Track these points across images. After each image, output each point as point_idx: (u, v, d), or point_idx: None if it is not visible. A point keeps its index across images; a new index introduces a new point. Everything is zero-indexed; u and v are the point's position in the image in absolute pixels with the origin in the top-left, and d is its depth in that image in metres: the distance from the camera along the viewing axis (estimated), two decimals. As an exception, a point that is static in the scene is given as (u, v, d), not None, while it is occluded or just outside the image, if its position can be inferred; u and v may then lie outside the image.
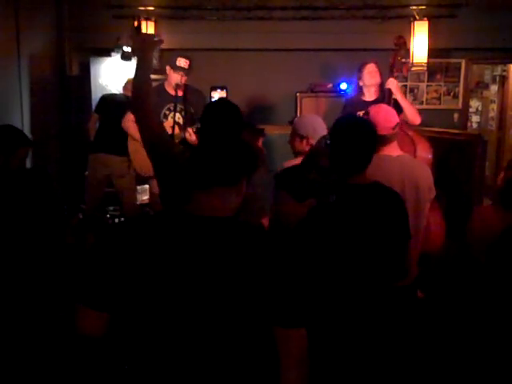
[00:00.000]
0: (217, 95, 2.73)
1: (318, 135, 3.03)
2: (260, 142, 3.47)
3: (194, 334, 1.49)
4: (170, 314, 1.48)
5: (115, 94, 5.49)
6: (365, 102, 4.16)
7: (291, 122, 3.18)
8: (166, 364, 1.49)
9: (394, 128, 2.82)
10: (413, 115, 3.85)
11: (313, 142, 3.02)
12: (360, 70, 4.24)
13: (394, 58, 3.99)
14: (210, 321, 1.49)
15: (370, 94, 4.20)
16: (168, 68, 4.05)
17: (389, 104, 3.59)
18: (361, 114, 4.06)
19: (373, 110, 2.90)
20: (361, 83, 4.24)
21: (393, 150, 2.83)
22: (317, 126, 3.05)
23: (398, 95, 3.87)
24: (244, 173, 1.59)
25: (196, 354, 1.49)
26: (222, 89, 2.76)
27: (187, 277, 1.48)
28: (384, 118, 2.80)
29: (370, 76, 4.16)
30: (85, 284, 1.51)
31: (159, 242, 1.50)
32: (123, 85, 5.50)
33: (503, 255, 2.35)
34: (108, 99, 5.31)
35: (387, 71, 4.02)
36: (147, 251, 1.48)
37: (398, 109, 3.58)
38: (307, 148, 3.03)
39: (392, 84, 3.86)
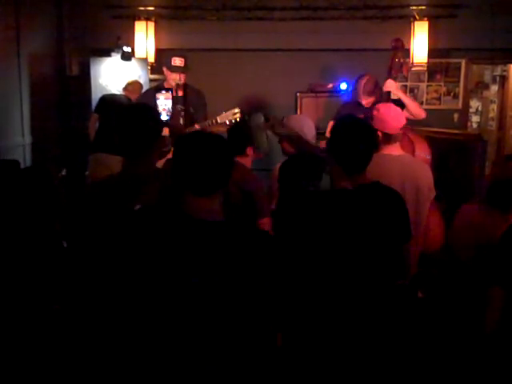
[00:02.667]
0: (162, 97, 2.72)
1: (306, 136, 3.04)
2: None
3: (191, 337, 1.50)
4: (167, 315, 1.49)
5: (115, 95, 5.49)
6: (364, 106, 4.17)
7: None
8: (164, 365, 1.50)
9: (401, 128, 2.84)
10: (417, 110, 3.90)
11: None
12: (358, 85, 4.21)
13: (392, 59, 4.00)
14: (206, 322, 1.50)
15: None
16: (165, 69, 4.04)
17: None
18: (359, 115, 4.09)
19: (382, 108, 2.91)
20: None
21: (394, 150, 2.84)
22: (304, 128, 3.05)
23: (399, 94, 3.90)
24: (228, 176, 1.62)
25: (195, 357, 1.50)
26: (167, 90, 2.75)
27: (184, 280, 1.49)
28: (393, 117, 2.84)
29: (366, 104, 4.17)
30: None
31: (158, 245, 1.51)
32: (124, 86, 5.50)
33: (505, 258, 2.35)
34: (108, 99, 5.31)
35: (386, 72, 4.02)
36: (146, 253, 1.49)
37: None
38: (294, 149, 3.05)
39: (391, 86, 3.88)
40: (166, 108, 2.70)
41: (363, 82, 4.14)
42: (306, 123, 3.13)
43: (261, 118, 2.77)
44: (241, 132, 3.14)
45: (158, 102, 2.70)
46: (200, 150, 1.57)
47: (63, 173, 3.26)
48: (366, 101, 4.12)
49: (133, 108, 2.49)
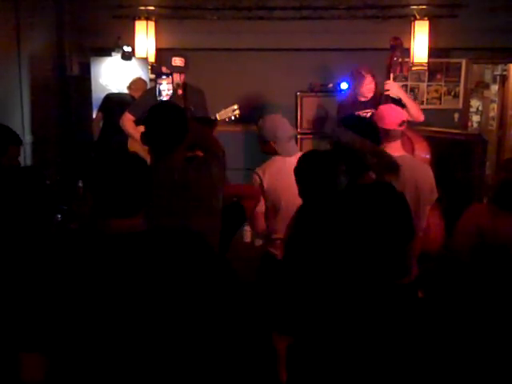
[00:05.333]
0: (164, 82, 2.75)
1: (280, 140, 3.05)
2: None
3: (146, 349, 1.49)
4: (122, 332, 1.48)
5: (120, 94, 5.48)
6: (361, 102, 4.17)
7: (256, 125, 3.19)
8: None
9: (400, 125, 2.86)
10: (417, 113, 3.91)
11: (275, 146, 3.05)
12: (357, 81, 4.20)
13: (391, 58, 4.00)
14: (158, 333, 1.50)
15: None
16: (165, 69, 4.05)
17: None
18: (362, 113, 4.09)
19: (383, 106, 2.94)
20: (357, 91, 4.23)
21: (395, 150, 2.84)
22: (279, 132, 3.05)
23: (401, 95, 3.90)
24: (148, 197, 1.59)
25: (151, 369, 1.51)
26: (167, 75, 2.79)
27: (127, 295, 1.48)
28: (391, 113, 2.87)
29: (368, 91, 4.17)
30: (29, 329, 1.44)
31: (94, 269, 1.49)
32: (127, 85, 5.49)
33: None
34: (112, 98, 5.30)
35: (385, 71, 4.02)
36: (85, 281, 1.47)
37: None
38: (272, 149, 3.06)
39: (393, 87, 3.88)
40: (169, 93, 2.74)
41: (366, 80, 4.14)
42: (280, 125, 3.12)
43: None
44: None
45: (161, 87, 2.73)
46: (119, 173, 1.54)
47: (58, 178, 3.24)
48: (371, 84, 4.11)
49: (166, 107, 2.58)
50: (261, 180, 3.04)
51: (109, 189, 1.53)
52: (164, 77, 2.77)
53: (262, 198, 3.03)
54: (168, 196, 2.40)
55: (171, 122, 2.42)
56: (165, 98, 2.72)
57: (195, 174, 2.46)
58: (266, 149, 3.11)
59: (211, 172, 2.50)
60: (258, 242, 3.06)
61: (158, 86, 2.74)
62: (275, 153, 3.08)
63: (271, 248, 3.02)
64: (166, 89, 2.74)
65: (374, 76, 4.17)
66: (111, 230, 1.54)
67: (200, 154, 2.64)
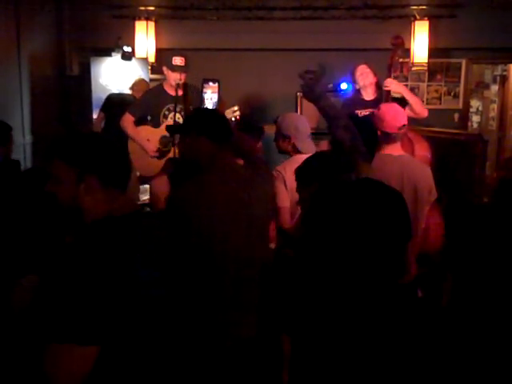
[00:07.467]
0: (209, 90, 2.68)
1: (301, 134, 3.02)
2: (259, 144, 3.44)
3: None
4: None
5: (121, 94, 5.48)
6: (364, 101, 4.15)
7: (275, 122, 3.18)
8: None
9: (400, 128, 2.83)
10: (420, 108, 3.87)
11: (295, 141, 3.02)
12: (352, 72, 4.24)
13: (392, 58, 3.98)
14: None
15: (367, 94, 4.19)
16: (165, 69, 4.04)
17: None
18: (362, 112, 4.09)
19: (384, 106, 2.92)
20: (357, 86, 4.24)
21: (395, 150, 2.83)
22: (299, 126, 3.03)
23: (402, 91, 3.88)
24: None
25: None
26: (214, 82, 2.70)
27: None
28: (392, 116, 2.83)
29: (363, 77, 4.16)
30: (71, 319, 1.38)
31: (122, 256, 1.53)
32: (130, 85, 5.48)
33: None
34: (114, 99, 5.30)
35: (386, 71, 4.01)
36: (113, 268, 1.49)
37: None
38: (290, 148, 3.04)
39: (391, 84, 3.86)
40: (212, 101, 2.66)
41: (360, 67, 4.17)
42: (300, 120, 3.11)
43: None
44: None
45: (206, 95, 2.65)
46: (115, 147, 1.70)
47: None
48: (366, 72, 4.11)
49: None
50: (283, 177, 2.94)
51: (118, 160, 1.66)
52: (211, 83, 2.65)
53: (286, 193, 2.91)
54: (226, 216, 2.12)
55: (214, 114, 2.33)
56: (208, 106, 2.61)
57: (255, 192, 2.23)
58: (283, 147, 3.07)
59: (266, 189, 2.31)
60: (272, 245, 3.01)
61: (202, 94, 2.63)
62: (292, 152, 3.05)
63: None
64: (209, 98, 2.65)
65: (372, 70, 4.16)
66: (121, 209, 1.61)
67: (240, 161, 2.47)
